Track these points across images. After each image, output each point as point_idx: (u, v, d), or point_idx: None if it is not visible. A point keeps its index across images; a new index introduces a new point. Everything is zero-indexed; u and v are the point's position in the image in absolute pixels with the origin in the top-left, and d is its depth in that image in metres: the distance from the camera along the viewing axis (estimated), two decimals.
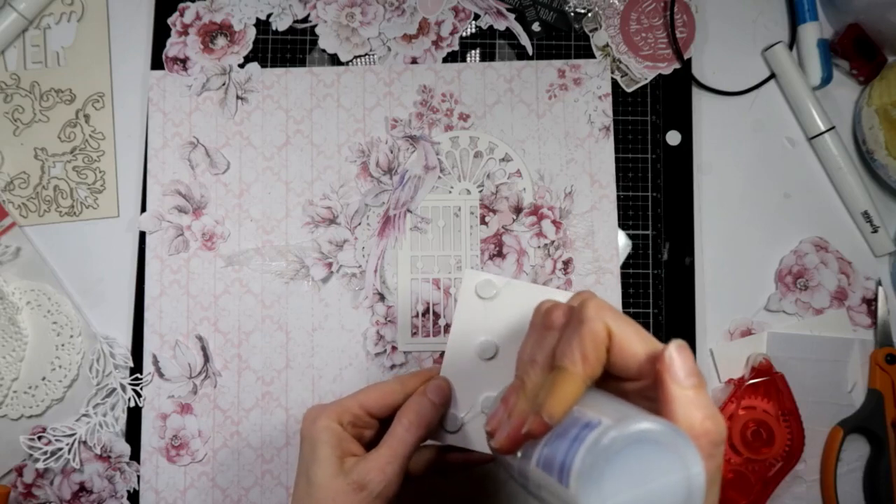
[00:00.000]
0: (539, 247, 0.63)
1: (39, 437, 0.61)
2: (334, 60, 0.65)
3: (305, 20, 0.66)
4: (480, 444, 0.48)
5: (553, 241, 0.63)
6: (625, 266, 0.64)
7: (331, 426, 0.46)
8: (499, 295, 0.47)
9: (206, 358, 0.62)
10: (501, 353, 0.47)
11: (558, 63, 0.65)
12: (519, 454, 0.37)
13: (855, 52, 0.65)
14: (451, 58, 0.65)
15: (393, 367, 0.62)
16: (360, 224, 0.63)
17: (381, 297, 0.63)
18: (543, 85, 0.65)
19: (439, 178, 0.64)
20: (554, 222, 0.63)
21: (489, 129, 0.64)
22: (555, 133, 0.64)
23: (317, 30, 0.65)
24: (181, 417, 0.62)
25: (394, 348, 0.62)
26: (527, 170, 0.64)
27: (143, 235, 0.63)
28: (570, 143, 0.64)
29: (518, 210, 0.64)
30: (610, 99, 0.65)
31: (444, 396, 0.47)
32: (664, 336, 0.63)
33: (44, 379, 0.62)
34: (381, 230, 0.63)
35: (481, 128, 0.65)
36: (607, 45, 0.65)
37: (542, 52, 0.66)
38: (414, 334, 0.62)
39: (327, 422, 0.46)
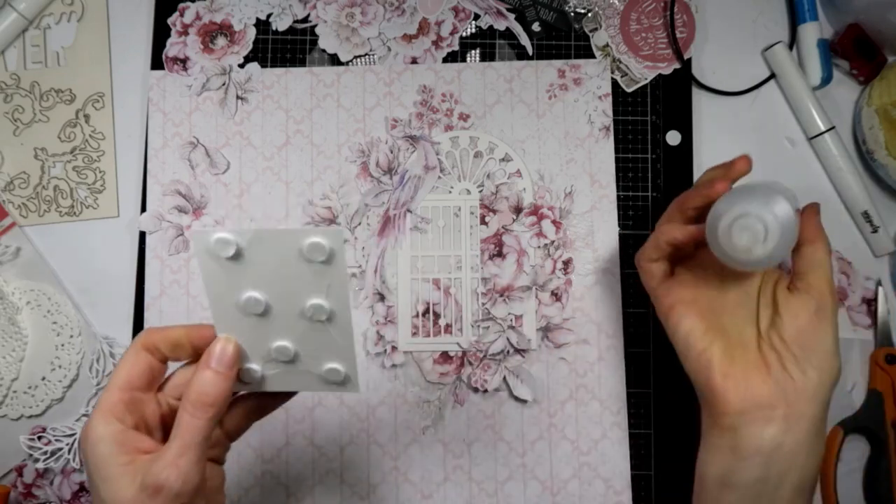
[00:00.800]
0: (539, 247, 0.63)
1: (39, 437, 0.61)
2: (334, 60, 0.65)
3: (305, 20, 0.66)
4: (286, 384, 0.44)
5: (553, 241, 0.63)
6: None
7: (105, 431, 0.39)
8: (248, 249, 0.40)
9: None
10: (275, 304, 0.41)
11: (558, 63, 0.65)
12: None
13: (855, 52, 0.65)
14: (451, 58, 0.65)
15: (393, 366, 0.62)
16: (360, 224, 0.63)
17: (381, 297, 0.63)
18: (543, 85, 0.65)
19: (439, 178, 0.64)
20: (554, 222, 0.63)
21: (489, 129, 0.64)
22: (555, 133, 0.64)
23: (317, 30, 0.65)
24: None
25: (394, 348, 0.62)
26: (527, 170, 0.64)
27: (143, 235, 0.63)
28: (570, 143, 0.64)
29: (518, 210, 0.64)
30: (610, 99, 0.65)
31: (231, 362, 0.41)
32: (665, 337, 0.63)
33: (44, 379, 0.62)
34: (381, 230, 0.63)
35: (481, 128, 0.65)
36: (607, 45, 0.65)
37: (542, 52, 0.66)
38: (414, 334, 0.62)
39: (101, 429, 0.40)
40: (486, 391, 0.62)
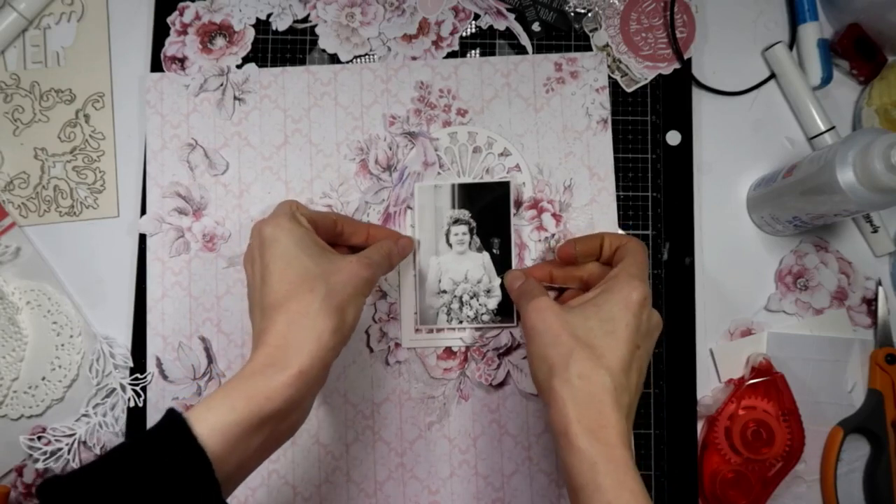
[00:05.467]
0: (540, 240, 0.63)
1: (39, 437, 0.61)
2: (334, 61, 0.65)
3: (305, 20, 0.66)
4: None
5: (553, 235, 0.63)
6: None
7: (305, 230, 0.51)
8: None
9: (210, 359, 0.62)
10: None
11: (555, 57, 0.65)
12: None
13: (855, 52, 0.65)
14: (451, 58, 0.65)
15: (397, 363, 0.62)
16: None
17: (384, 294, 0.63)
18: (541, 79, 0.65)
19: (438, 173, 0.64)
20: (554, 215, 0.63)
21: (487, 124, 0.64)
22: (553, 126, 0.64)
23: (317, 30, 0.65)
24: None
25: (397, 345, 0.62)
26: (526, 164, 0.64)
27: (143, 237, 0.63)
28: (568, 137, 0.64)
29: (518, 204, 0.64)
30: (607, 91, 0.65)
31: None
32: (665, 337, 0.63)
33: (44, 379, 0.62)
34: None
35: (479, 123, 0.65)
36: (607, 45, 0.65)
37: (543, 53, 0.66)
38: (417, 331, 0.62)
39: (301, 227, 0.51)
40: (490, 386, 0.62)
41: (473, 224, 0.63)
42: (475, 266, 0.62)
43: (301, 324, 0.45)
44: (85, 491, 0.38)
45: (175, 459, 0.40)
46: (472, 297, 0.62)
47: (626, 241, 0.55)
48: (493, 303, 0.62)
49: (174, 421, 0.41)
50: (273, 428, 0.44)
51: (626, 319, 0.48)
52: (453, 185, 0.63)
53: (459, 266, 0.62)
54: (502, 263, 0.62)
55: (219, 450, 0.41)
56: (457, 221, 0.63)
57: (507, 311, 0.62)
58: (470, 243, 0.62)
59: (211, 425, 0.41)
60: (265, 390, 0.43)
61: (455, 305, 0.62)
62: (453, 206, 0.63)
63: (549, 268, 0.60)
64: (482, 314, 0.62)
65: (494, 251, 0.62)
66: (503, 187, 0.63)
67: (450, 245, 0.63)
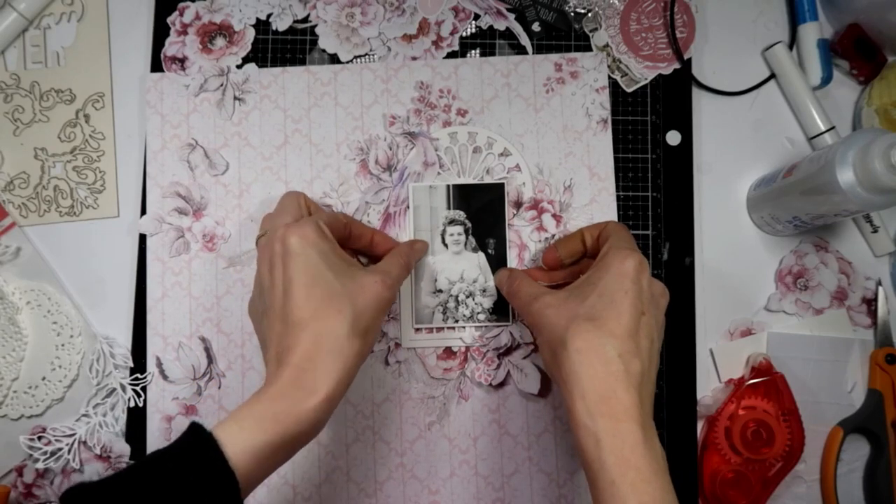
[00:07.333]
0: (540, 241, 0.63)
1: (39, 437, 0.61)
2: (334, 60, 0.65)
3: (305, 20, 0.66)
4: None
5: (554, 235, 0.63)
6: None
7: (328, 241, 0.50)
8: None
9: (210, 359, 0.62)
10: None
11: (555, 57, 0.65)
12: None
13: (855, 52, 0.65)
14: (451, 58, 0.65)
15: (397, 363, 0.62)
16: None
17: None
18: (541, 79, 0.65)
19: (438, 174, 0.64)
20: (554, 216, 0.63)
21: (487, 125, 0.64)
22: (553, 127, 0.64)
23: (317, 30, 0.65)
24: (186, 419, 0.62)
25: (397, 345, 0.62)
26: (526, 164, 0.64)
27: (143, 237, 0.63)
28: (568, 137, 0.64)
29: (518, 204, 0.64)
30: (607, 91, 0.65)
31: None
32: (665, 337, 0.63)
33: (44, 379, 0.62)
34: (382, 227, 0.63)
35: (479, 123, 0.65)
36: (607, 45, 0.65)
37: (543, 53, 0.66)
38: (417, 331, 0.62)
39: (324, 239, 0.50)
40: (490, 386, 0.62)
41: (469, 225, 0.63)
42: (471, 266, 0.63)
43: (328, 347, 0.46)
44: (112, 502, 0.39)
45: (206, 481, 0.40)
46: (467, 297, 0.62)
47: (604, 224, 0.56)
48: (488, 302, 0.62)
49: (205, 439, 0.42)
50: (296, 445, 0.46)
51: (625, 287, 0.48)
52: (449, 186, 0.63)
53: (455, 266, 0.63)
54: (497, 264, 0.63)
55: (246, 470, 0.42)
56: (452, 222, 0.63)
57: (502, 309, 0.62)
58: (465, 244, 0.63)
59: (242, 447, 0.42)
60: (295, 414, 0.44)
61: (451, 305, 0.62)
62: (449, 207, 0.63)
63: (545, 271, 0.60)
64: (478, 313, 0.62)
65: (489, 251, 0.63)
66: (498, 188, 0.63)
67: (445, 245, 0.63)
